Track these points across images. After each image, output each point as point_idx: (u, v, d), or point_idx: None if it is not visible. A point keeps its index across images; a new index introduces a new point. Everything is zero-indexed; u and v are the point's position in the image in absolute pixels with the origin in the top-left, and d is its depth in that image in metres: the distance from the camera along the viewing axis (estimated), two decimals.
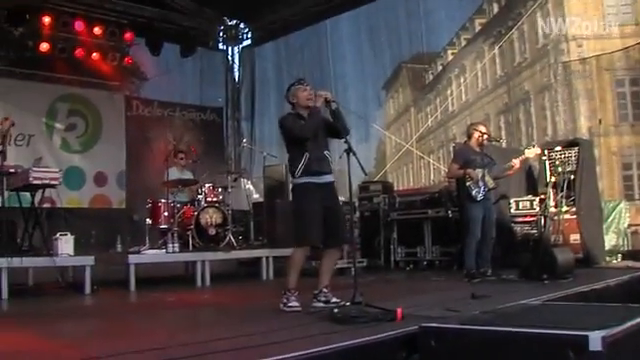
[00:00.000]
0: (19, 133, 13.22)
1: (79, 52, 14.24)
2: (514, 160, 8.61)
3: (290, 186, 6.35)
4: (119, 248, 10.34)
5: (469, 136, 8.87)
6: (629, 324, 3.60)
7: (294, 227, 6.11)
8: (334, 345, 3.79)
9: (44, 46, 13.69)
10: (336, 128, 5.96)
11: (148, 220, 10.12)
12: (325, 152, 6.02)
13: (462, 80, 16.13)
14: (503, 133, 14.93)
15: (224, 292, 8.40)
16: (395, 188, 13.79)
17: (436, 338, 3.86)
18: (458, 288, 7.52)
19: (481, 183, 8.36)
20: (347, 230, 6.89)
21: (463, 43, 17.04)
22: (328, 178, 6.01)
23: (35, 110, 14.12)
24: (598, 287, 6.97)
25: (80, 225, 11.74)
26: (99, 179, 15.01)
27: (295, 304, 5.67)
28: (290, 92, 6.14)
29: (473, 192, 8.40)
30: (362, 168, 5.79)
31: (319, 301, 5.89)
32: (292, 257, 5.99)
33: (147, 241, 9.90)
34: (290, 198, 10.69)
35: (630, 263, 10.02)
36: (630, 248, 11.28)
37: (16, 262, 7.39)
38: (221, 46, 17.86)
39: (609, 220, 11.14)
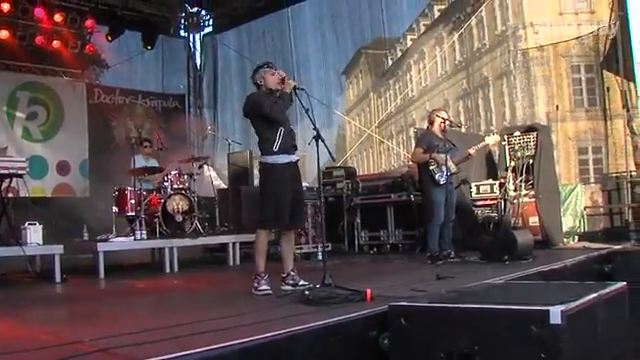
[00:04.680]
0: None
1: (39, 39, 14.16)
2: (470, 150, 8.87)
3: (258, 166, 6.28)
4: (86, 237, 10.34)
5: (431, 122, 9.04)
6: (585, 299, 3.84)
7: (261, 208, 5.99)
8: (308, 325, 3.93)
9: (3, 33, 13.58)
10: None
11: (114, 208, 10.15)
12: (291, 127, 6.11)
13: (421, 66, 16.29)
14: (462, 118, 15.14)
15: (193, 278, 8.48)
16: (357, 173, 13.92)
17: (405, 316, 4.03)
18: (422, 270, 7.73)
19: (444, 167, 8.56)
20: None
21: (422, 29, 17.21)
22: (296, 156, 6.07)
23: None
24: (556, 267, 7.24)
25: (44, 214, 11.71)
26: (62, 168, 14.96)
27: (266, 287, 5.76)
28: (258, 74, 6.13)
29: (436, 176, 8.59)
30: (330, 155, 5.91)
31: (287, 284, 5.99)
32: (257, 240, 6.01)
33: (114, 229, 9.94)
34: (256, 180, 10.81)
35: (586, 244, 10.37)
36: (586, 229, 11.67)
37: None
38: (182, 33, 17.89)
39: (566, 203, 11.52)
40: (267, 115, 5.89)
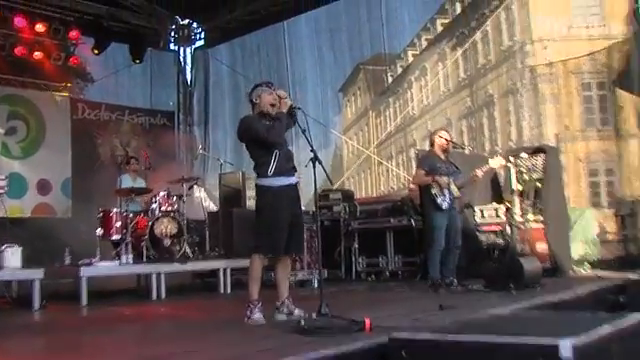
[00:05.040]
0: None
1: (20, 50, 14.18)
2: (477, 171, 8.80)
3: (254, 187, 6.26)
4: (67, 260, 10.31)
5: (432, 143, 9.08)
6: (598, 332, 3.82)
7: (257, 232, 6.04)
8: (304, 357, 3.94)
9: None
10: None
11: (99, 231, 10.13)
12: (289, 148, 6.15)
13: (423, 83, 16.33)
14: (465, 138, 15.09)
15: (182, 305, 8.47)
16: (355, 196, 13.90)
17: (407, 348, 4.03)
18: (423, 299, 7.74)
19: (446, 191, 8.58)
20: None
21: (424, 44, 17.26)
22: (295, 179, 6.10)
23: None
24: (567, 297, 7.23)
25: (23, 236, 11.68)
26: (42, 187, 14.94)
27: (259, 316, 5.76)
28: (255, 92, 6.17)
29: (438, 200, 8.60)
30: (328, 177, 5.93)
31: (282, 313, 5.98)
32: (252, 266, 6.00)
33: (98, 253, 9.92)
34: (249, 202, 10.77)
35: (600, 272, 10.30)
36: (598, 257, 11.60)
37: None
38: (172, 46, 17.96)
39: (576, 228, 11.46)
40: (264, 141, 5.92)
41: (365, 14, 15.19)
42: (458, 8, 15.82)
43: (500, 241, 10.34)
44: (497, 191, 11.45)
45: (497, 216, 10.60)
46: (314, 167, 5.77)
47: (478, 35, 14.78)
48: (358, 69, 17.41)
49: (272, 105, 6.03)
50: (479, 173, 8.79)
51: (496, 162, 9.09)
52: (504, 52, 15.03)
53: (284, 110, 5.99)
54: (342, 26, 15.52)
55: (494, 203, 10.96)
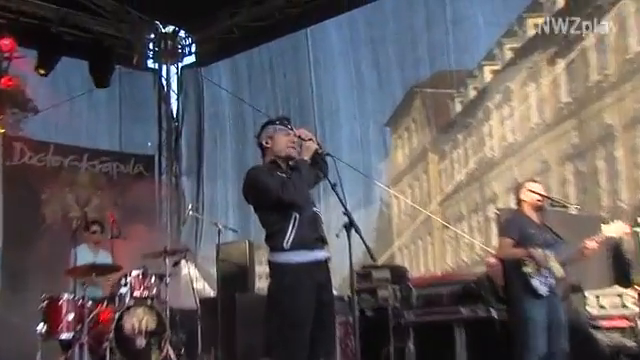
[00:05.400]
0: None
1: None
2: (587, 242, 8.56)
3: (267, 263, 6.18)
4: None
5: (519, 200, 8.96)
6: None
7: (269, 328, 6.01)
8: None
9: None
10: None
11: (41, 326, 10.07)
12: (315, 209, 6.13)
13: (507, 112, 16.23)
14: (571, 190, 14.95)
15: None
16: (409, 274, 13.76)
17: None
18: None
19: (544, 270, 8.39)
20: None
21: (508, 56, 17.16)
22: (324, 254, 6.06)
23: None
24: None
25: None
26: None
27: None
28: (266, 132, 6.23)
29: (534, 283, 8.39)
30: (369, 252, 5.80)
31: None
32: None
33: (39, 358, 9.85)
34: (259, 283, 10.74)
35: None
36: None
37: None
38: (151, 64, 18.16)
39: None
40: (278, 200, 5.89)
41: (422, 17, 15.07)
42: (560, 1, 15.51)
43: (629, 343, 10.09)
44: (622, 269, 11.24)
45: (623, 306, 10.39)
46: (349, 236, 5.72)
47: (590, 39, 14.51)
48: (413, 94, 17.45)
49: (290, 148, 6.06)
50: (591, 245, 8.55)
51: (614, 229, 8.76)
52: (630, 63, 14.71)
53: (306, 157, 5.98)
54: (389, 34, 15.50)
55: (617, 286, 10.77)
